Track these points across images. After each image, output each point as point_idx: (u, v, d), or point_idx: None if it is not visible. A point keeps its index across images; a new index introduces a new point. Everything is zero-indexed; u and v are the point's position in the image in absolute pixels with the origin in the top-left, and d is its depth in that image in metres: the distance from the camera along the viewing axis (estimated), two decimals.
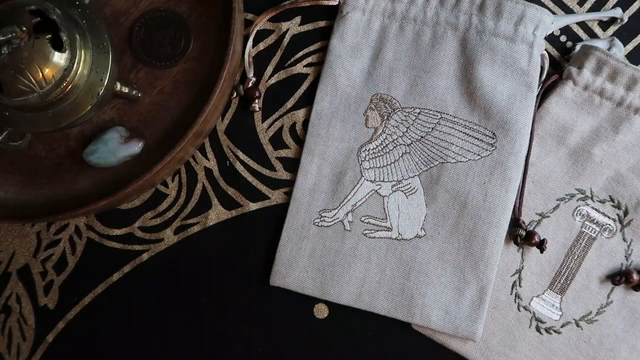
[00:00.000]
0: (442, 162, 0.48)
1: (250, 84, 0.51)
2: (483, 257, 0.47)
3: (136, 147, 0.48)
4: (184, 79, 0.51)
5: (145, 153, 0.49)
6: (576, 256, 0.48)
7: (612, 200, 0.48)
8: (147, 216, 0.51)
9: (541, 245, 0.47)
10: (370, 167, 0.49)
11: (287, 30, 0.52)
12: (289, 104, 0.51)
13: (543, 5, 0.50)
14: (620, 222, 0.48)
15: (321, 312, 0.50)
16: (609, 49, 0.49)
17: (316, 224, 0.49)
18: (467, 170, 0.48)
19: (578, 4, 0.51)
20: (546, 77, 0.49)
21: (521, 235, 0.47)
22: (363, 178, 0.49)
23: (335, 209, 0.49)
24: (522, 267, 0.48)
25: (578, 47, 0.49)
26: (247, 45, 0.51)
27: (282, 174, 0.51)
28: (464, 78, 0.48)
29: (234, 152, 0.52)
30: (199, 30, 0.51)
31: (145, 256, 0.51)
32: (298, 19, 0.52)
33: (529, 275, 0.48)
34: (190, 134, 0.45)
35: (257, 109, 0.51)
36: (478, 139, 0.48)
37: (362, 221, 0.49)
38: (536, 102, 0.48)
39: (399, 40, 0.49)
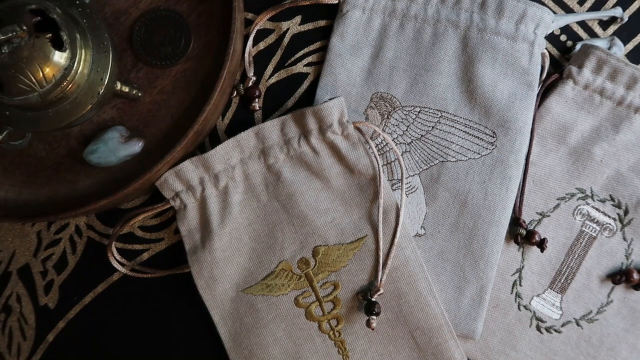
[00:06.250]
0: (442, 161, 0.48)
1: (250, 83, 0.51)
2: (483, 255, 0.46)
3: (136, 146, 0.48)
4: (184, 78, 0.51)
5: (145, 153, 0.49)
6: (576, 255, 0.48)
7: (612, 199, 0.48)
8: (148, 216, 0.51)
9: (541, 245, 0.47)
10: None
11: (288, 29, 0.52)
12: (290, 103, 0.51)
13: (543, 4, 0.50)
14: (621, 221, 0.48)
15: None
16: (609, 48, 0.49)
17: None
18: (467, 169, 0.48)
19: (578, 3, 0.51)
20: (546, 76, 0.49)
21: (521, 234, 0.47)
22: None
23: None
24: (523, 267, 0.48)
25: (578, 46, 0.49)
26: (247, 45, 0.51)
27: None
28: (464, 76, 0.48)
29: None
30: (199, 30, 0.51)
31: (145, 255, 0.51)
32: (298, 19, 0.52)
33: (530, 274, 0.48)
34: (190, 133, 0.45)
35: (258, 108, 0.51)
36: (478, 138, 0.48)
37: None
38: (536, 101, 0.48)
39: (400, 38, 0.49)
